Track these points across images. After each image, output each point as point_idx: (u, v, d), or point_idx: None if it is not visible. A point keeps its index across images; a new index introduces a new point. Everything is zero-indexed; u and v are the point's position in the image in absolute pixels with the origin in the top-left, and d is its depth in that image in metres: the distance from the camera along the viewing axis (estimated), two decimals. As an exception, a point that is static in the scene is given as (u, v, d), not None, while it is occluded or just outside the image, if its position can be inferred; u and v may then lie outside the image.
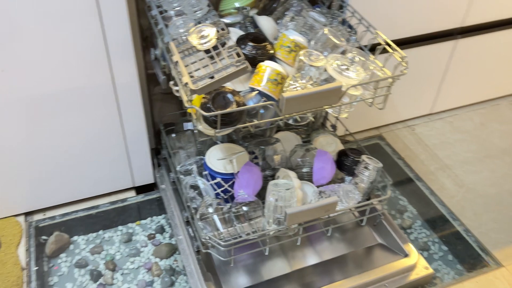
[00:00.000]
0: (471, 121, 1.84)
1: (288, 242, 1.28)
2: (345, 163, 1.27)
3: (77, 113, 1.25)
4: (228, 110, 0.90)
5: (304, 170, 1.29)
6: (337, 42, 1.09)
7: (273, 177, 1.29)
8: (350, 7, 1.23)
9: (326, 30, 1.08)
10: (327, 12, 1.24)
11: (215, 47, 0.96)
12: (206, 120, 0.95)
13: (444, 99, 1.82)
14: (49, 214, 1.45)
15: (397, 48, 1.08)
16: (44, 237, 1.42)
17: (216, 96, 0.94)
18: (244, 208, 1.17)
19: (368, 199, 1.25)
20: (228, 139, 1.39)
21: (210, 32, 0.96)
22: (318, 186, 1.25)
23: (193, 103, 1.01)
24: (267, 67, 1.01)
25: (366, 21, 1.16)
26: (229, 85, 0.98)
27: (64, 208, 1.48)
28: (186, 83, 0.87)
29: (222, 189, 1.24)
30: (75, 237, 1.46)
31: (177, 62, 0.92)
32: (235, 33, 1.15)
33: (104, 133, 1.33)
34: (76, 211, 1.48)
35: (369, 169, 1.21)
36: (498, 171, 1.62)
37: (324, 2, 1.30)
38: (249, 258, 1.26)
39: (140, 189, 1.55)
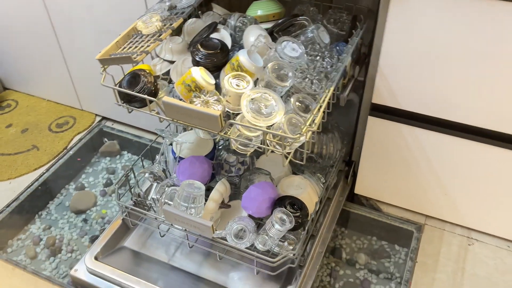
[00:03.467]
0: None
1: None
2: (274, 210, 1.17)
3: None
4: (115, 87, 1.02)
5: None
6: (277, 82, 1.00)
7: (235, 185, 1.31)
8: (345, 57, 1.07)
9: (270, 65, 1.01)
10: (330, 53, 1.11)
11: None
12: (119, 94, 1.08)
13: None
14: (116, 126, 1.85)
15: (319, 116, 0.92)
16: (105, 139, 1.85)
17: (132, 75, 1.06)
18: (167, 189, 1.26)
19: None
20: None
21: (155, 20, 1.06)
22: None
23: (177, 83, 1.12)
24: (189, 72, 1.04)
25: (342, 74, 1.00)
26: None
27: (128, 128, 1.85)
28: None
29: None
30: (124, 152, 1.84)
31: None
32: (222, 35, 1.18)
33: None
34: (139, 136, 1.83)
35: (275, 228, 1.09)
36: None
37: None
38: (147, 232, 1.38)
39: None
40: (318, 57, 1.09)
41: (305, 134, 0.91)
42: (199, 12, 1.29)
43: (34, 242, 1.51)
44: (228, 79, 1.01)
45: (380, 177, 1.42)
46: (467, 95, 1.13)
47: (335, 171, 1.36)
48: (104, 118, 1.87)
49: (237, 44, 1.20)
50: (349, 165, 1.49)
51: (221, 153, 1.38)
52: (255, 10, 1.24)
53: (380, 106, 1.25)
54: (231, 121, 0.96)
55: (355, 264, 1.43)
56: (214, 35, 1.17)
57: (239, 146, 1.02)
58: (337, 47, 1.18)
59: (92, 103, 1.85)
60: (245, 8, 1.34)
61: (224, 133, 0.98)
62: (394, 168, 1.37)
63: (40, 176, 1.63)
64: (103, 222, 1.58)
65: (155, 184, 1.40)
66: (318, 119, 0.92)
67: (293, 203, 1.17)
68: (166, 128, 1.43)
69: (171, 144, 1.38)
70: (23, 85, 1.97)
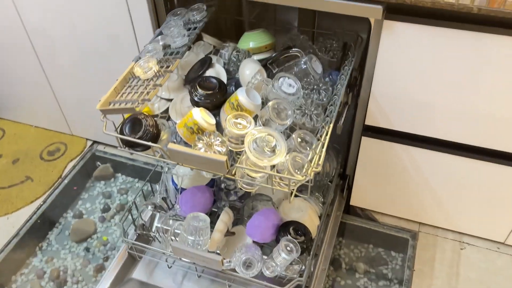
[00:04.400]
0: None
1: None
2: (279, 236, 1.21)
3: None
4: (118, 135, 1.03)
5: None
6: (278, 121, 1.03)
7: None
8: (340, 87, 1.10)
9: (270, 104, 1.04)
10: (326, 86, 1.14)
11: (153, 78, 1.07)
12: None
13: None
14: (108, 150, 1.85)
15: (322, 155, 0.96)
16: (98, 163, 1.85)
17: (133, 120, 1.07)
18: (169, 222, 1.29)
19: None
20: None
21: (152, 65, 1.07)
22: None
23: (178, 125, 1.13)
24: (190, 114, 1.06)
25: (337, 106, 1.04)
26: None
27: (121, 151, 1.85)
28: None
29: (177, 197, 1.37)
30: (119, 175, 1.84)
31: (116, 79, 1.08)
32: (217, 71, 1.20)
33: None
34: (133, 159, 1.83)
35: (282, 256, 1.13)
36: None
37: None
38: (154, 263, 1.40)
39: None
40: (313, 90, 1.12)
41: (310, 175, 0.95)
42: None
43: (38, 275, 1.52)
44: (229, 120, 1.03)
45: (375, 189, 1.47)
46: (456, 116, 1.18)
47: (332, 188, 1.41)
48: (95, 142, 1.87)
49: (232, 77, 1.22)
50: (344, 179, 1.54)
51: (221, 179, 1.41)
52: (247, 42, 1.25)
53: (374, 128, 1.29)
54: (238, 165, 0.98)
55: (354, 273, 1.50)
56: (209, 71, 1.18)
57: (244, 185, 1.05)
58: (330, 76, 1.21)
59: (82, 128, 1.84)
60: (235, 36, 1.36)
61: (230, 174, 1.01)
62: (389, 181, 1.42)
63: (38, 208, 1.62)
64: (105, 250, 1.60)
65: (157, 214, 1.42)
66: (321, 159, 0.96)
67: (296, 229, 1.22)
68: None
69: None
70: (8, 112, 1.95)
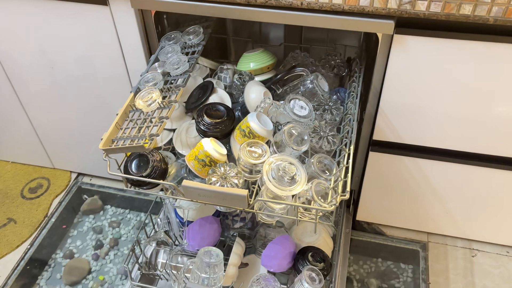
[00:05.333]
0: None
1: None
2: (298, 265, 1.15)
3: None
4: (125, 175, 0.95)
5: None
6: (295, 147, 0.98)
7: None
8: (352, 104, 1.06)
9: (285, 130, 0.98)
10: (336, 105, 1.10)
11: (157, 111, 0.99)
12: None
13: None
14: (95, 181, 1.74)
15: (348, 180, 0.91)
16: (85, 196, 1.74)
17: (138, 156, 0.99)
18: (179, 259, 1.21)
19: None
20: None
21: (155, 97, 0.99)
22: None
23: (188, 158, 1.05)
24: (201, 146, 0.99)
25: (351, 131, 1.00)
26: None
27: (109, 181, 1.75)
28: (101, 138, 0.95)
29: (181, 229, 1.29)
30: (108, 206, 1.74)
31: (117, 114, 1.00)
32: (221, 96, 1.14)
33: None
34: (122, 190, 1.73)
35: (305, 286, 1.07)
36: None
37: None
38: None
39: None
40: (325, 111, 1.07)
41: (337, 204, 0.90)
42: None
43: (31, 327, 1.41)
44: (243, 149, 0.97)
45: (382, 202, 1.44)
46: (467, 126, 1.16)
47: (344, 207, 1.37)
48: (80, 174, 1.76)
49: (236, 102, 1.15)
50: (349, 194, 1.50)
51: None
52: (247, 63, 1.19)
53: (381, 142, 1.26)
54: (260, 198, 0.92)
55: (367, 290, 1.46)
56: (212, 97, 1.12)
57: (264, 217, 0.99)
58: (338, 94, 1.17)
59: (65, 160, 1.72)
60: (235, 55, 1.30)
61: (251, 208, 0.95)
62: (396, 193, 1.39)
63: (25, 253, 1.50)
64: (103, 290, 1.49)
65: (161, 249, 1.33)
66: (348, 185, 0.91)
67: (314, 255, 1.16)
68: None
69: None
70: (-20, 148, 1.80)
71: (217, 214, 1.30)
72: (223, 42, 1.55)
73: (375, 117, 1.22)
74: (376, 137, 1.25)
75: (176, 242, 1.32)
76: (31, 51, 1.36)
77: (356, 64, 1.19)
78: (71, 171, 1.75)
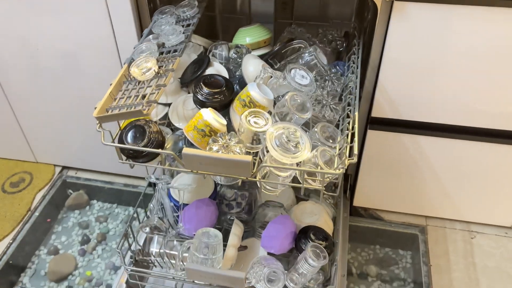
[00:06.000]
0: None
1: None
2: (300, 244, 1.11)
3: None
4: (120, 145, 0.90)
5: (264, 232, 1.18)
6: (299, 114, 0.94)
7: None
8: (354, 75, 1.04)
9: (288, 97, 0.95)
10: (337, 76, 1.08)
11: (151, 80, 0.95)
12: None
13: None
14: (81, 174, 1.67)
15: (355, 144, 0.88)
16: (70, 191, 1.66)
17: (134, 127, 0.94)
18: (174, 242, 1.15)
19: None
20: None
21: (151, 65, 0.95)
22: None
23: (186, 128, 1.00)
24: (200, 116, 0.95)
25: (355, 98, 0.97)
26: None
27: (95, 174, 1.68)
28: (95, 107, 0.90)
29: (176, 214, 1.24)
30: (94, 201, 1.66)
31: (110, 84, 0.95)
32: (217, 70, 1.10)
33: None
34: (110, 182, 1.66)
35: (309, 264, 1.03)
36: None
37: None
38: None
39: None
40: (326, 81, 1.04)
41: (346, 167, 0.86)
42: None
43: (14, 325, 1.32)
44: (246, 118, 0.93)
45: (379, 186, 1.42)
46: (466, 98, 1.15)
47: (341, 188, 1.34)
48: (64, 167, 1.68)
49: (233, 77, 1.12)
50: (345, 179, 1.47)
51: (220, 190, 1.29)
52: (243, 38, 1.17)
53: (380, 119, 1.24)
54: (264, 164, 0.88)
55: (367, 277, 1.42)
56: (209, 70, 1.08)
57: (268, 187, 0.95)
58: (337, 67, 1.15)
59: (49, 153, 1.65)
60: (223, 35, 1.27)
61: (254, 177, 0.90)
62: (394, 175, 1.37)
63: (7, 247, 1.41)
64: (90, 286, 1.41)
65: (155, 237, 1.27)
66: (356, 148, 0.88)
67: (317, 234, 1.12)
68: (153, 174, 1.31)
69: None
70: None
71: (214, 197, 1.25)
72: (212, 22, 1.51)
73: (373, 93, 1.20)
74: (374, 114, 1.23)
75: (170, 229, 1.26)
76: (14, 37, 1.30)
77: (354, 37, 1.17)
78: (55, 165, 1.67)
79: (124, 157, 0.95)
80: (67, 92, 1.41)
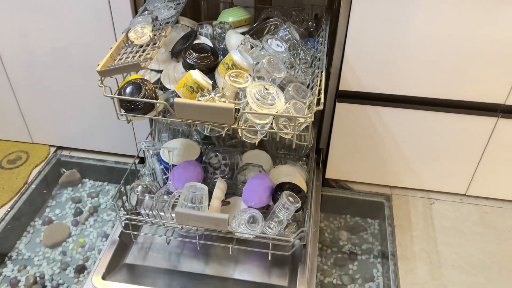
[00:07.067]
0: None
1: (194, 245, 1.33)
2: (277, 196, 1.25)
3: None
4: (119, 96, 1.04)
5: (245, 189, 1.32)
6: (272, 73, 1.10)
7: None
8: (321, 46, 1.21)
9: (265, 60, 1.11)
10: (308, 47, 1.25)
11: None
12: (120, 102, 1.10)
13: (484, 184, 1.55)
14: (74, 153, 1.79)
15: (322, 92, 1.04)
16: (64, 170, 1.77)
17: (131, 85, 1.09)
18: (165, 197, 1.28)
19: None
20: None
21: (147, 31, 1.10)
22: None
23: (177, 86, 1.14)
24: (189, 75, 1.10)
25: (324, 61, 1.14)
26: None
27: (88, 153, 1.80)
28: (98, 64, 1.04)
29: (165, 176, 1.37)
30: (86, 180, 1.78)
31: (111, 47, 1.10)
32: (204, 42, 1.26)
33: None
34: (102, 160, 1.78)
35: (284, 207, 1.17)
36: None
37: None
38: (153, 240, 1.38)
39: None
40: (299, 51, 1.21)
41: (313, 112, 1.02)
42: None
43: (12, 285, 1.41)
44: (229, 77, 1.09)
45: (348, 159, 1.58)
46: (423, 71, 1.33)
47: (313, 157, 1.49)
48: (59, 148, 1.80)
49: (218, 49, 1.28)
50: (318, 153, 1.63)
51: (205, 157, 1.43)
52: (226, 18, 1.33)
53: (347, 92, 1.41)
54: (245, 111, 1.03)
55: (338, 241, 1.56)
56: (196, 42, 1.24)
57: (247, 135, 1.10)
58: (308, 42, 1.32)
59: (44, 134, 1.77)
60: (209, 18, 1.43)
61: (236, 125, 1.05)
62: (361, 148, 1.53)
63: (6, 214, 1.52)
64: (84, 251, 1.52)
65: (147, 196, 1.39)
66: (322, 98, 1.04)
67: (291, 187, 1.27)
68: (146, 139, 1.46)
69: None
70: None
71: (199, 161, 1.39)
72: (198, 7, 1.67)
73: (340, 68, 1.37)
74: (342, 87, 1.40)
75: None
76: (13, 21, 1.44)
77: (323, 17, 1.35)
78: (50, 145, 1.79)
79: (122, 111, 1.09)
80: (64, 69, 1.54)
